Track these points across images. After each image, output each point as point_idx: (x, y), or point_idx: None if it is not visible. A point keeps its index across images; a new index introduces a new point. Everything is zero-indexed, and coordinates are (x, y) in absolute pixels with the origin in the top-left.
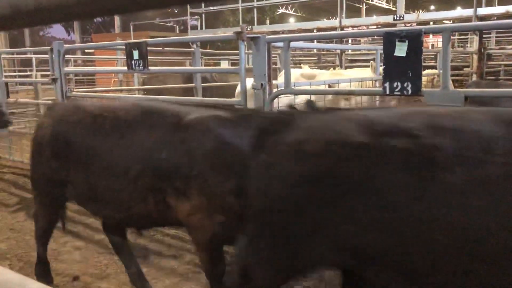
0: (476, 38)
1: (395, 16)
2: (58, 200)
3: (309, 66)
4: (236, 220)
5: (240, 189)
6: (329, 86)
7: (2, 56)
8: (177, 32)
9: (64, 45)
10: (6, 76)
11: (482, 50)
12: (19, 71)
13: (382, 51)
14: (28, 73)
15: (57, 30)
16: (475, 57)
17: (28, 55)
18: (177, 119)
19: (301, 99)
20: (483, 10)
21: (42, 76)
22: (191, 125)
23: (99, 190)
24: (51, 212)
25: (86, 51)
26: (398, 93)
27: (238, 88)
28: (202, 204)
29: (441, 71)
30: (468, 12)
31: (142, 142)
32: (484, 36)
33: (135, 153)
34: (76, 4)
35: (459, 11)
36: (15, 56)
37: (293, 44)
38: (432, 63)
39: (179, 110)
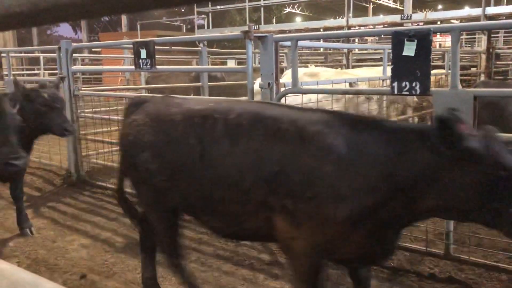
0: (484, 38)
1: (402, 15)
2: (167, 206)
3: (315, 66)
4: (350, 248)
5: (361, 217)
6: (350, 85)
7: (11, 54)
8: (184, 31)
9: (72, 44)
10: (14, 75)
11: (491, 50)
12: (27, 69)
13: (389, 51)
14: (36, 71)
15: (64, 29)
16: (483, 56)
17: (36, 54)
18: (294, 128)
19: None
20: (491, 10)
21: (49, 74)
22: (309, 138)
23: (209, 200)
24: (165, 219)
25: (93, 50)
26: (407, 93)
27: (255, 87)
28: (310, 230)
29: (449, 71)
30: (477, 11)
31: (256, 149)
32: (492, 35)
33: (248, 163)
34: (93, 2)
35: (467, 10)
36: (23, 54)
37: (300, 43)
38: (439, 63)
39: (297, 118)
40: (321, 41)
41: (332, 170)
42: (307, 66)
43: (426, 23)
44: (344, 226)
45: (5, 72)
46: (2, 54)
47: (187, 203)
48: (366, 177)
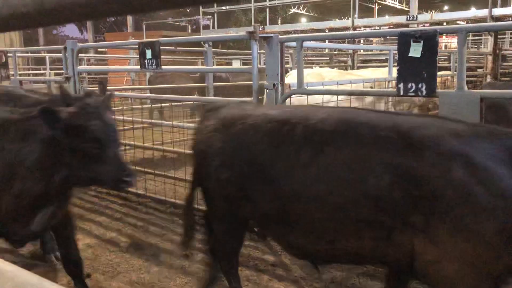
0: (490, 39)
1: (408, 16)
2: (237, 217)
3: (320, 67)
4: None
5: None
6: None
7: (17, 54)
8: (189, 31)
9: (77, 44)
10: (20, 74)
11: (497, 51)
12: (33, 69)
13: (395, 52)
14: (42, 71)
15: (70, 29)
16: (490, 58)
17: (42, 54)
18: (398, 134)
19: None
20: (498, 11)
21: (55, 74)
22: (422, 144)
23: (287, 213)
24: (232, 231)
25: (99, 50)
26: (412, 94)
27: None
28: (454, 250)
29: (455, 72)
30: (483, 12)
31: (350, 160)
32: (498, 36)
33: (341, 174)
34: (99, 2)
35: (473, 12)
36: (29, 54)
37: (305, 44)
38: (445, 64)
39: (396, 123)
40: (327, 41)
41: (464, 178)
42: (312, 67)
43: (432, 24)
44: (492, 243)
45: (11, 72)
46: (9, 54)
47: (263, 216)
48: (498, 183)
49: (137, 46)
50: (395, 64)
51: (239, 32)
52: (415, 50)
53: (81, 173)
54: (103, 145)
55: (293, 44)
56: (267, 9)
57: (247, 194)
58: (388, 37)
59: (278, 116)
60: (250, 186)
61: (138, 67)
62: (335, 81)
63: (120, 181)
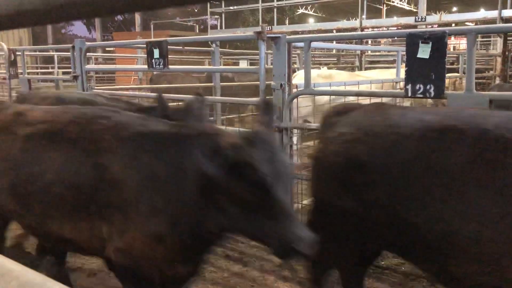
0: (499, 40)
1: (416, 17)
2: (367, 244)
3: (328, 67)
4: None
5: None
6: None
7: (26, 53)
8: (197, 31)
9: (86, 43)
10: (28, 73)
11: (506, 53)
12: (41, 68)
13: (403, 53)
14: (50, 70)
15: (78, 28)
16: (499, 59)
17: (50, 53)
18: None
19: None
20: (508, 12)
21: (63, 73)
22: None
23: (455, 238)
24: (356, 253)
25: (107, 49)
26: (421, 95)
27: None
28: None
29: (464, 74)
30: (493, 13)
31: None
32: (508, 38)
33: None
34: (105, 0)
35: (483, 13)
36: (37, 53)
37: (313, 44)
38: (453, 66)
39: None
40: (334, 42)
41: None
42: (319, 68)
43: (440, 25)
44: None
45: (19, 71)
46: (17, 53)
47: (418, 243)
48: None
49: (144, 45)
50: (403, 65)
51: (246, 32)
52: (424, 51)
53: (240, 225)
54: (270, 194)
55: (301, 44)
56: (275, 9)
57: (398, 219)
58: (396, 38)
59: (440, 122)
60: (406, 208)
61: (146, 66)
62: (342, 82)
63: (288, 249)
